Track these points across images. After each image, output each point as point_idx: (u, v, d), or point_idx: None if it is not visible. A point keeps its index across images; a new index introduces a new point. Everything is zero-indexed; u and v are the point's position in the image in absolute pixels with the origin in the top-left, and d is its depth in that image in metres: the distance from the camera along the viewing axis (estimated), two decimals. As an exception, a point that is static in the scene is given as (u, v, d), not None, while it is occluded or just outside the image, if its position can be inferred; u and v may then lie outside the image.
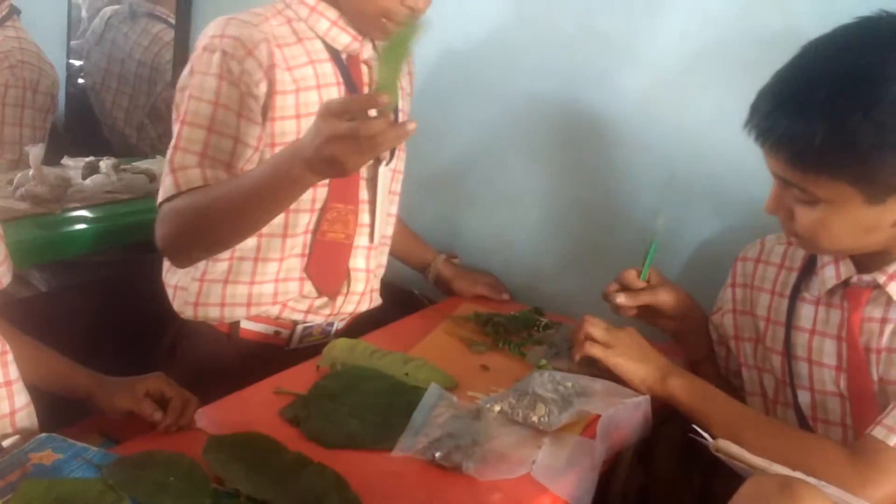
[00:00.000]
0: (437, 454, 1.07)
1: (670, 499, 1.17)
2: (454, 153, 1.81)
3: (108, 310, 1.78)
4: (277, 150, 1.30)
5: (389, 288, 1.61)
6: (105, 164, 1.90)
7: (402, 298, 1.72)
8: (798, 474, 0.87)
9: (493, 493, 1.03)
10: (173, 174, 1.26)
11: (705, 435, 0.99)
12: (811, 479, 0.84)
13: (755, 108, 1.00)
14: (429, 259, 1.75)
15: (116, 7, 2.39)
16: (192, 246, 1.28)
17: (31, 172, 1.75)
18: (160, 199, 1.29)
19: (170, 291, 1.45)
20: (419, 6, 1.28)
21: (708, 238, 1.52)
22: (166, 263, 1.47)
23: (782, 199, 1.03)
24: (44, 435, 1.04)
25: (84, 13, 2.46)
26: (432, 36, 1.71)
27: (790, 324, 1.13)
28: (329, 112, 1.01)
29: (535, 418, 1.17)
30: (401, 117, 1.49)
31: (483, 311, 1.57)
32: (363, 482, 1.00)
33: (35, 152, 1.73)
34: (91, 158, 1.96)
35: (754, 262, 1.24)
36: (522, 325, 1.53)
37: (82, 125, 2.41)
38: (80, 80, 2.48)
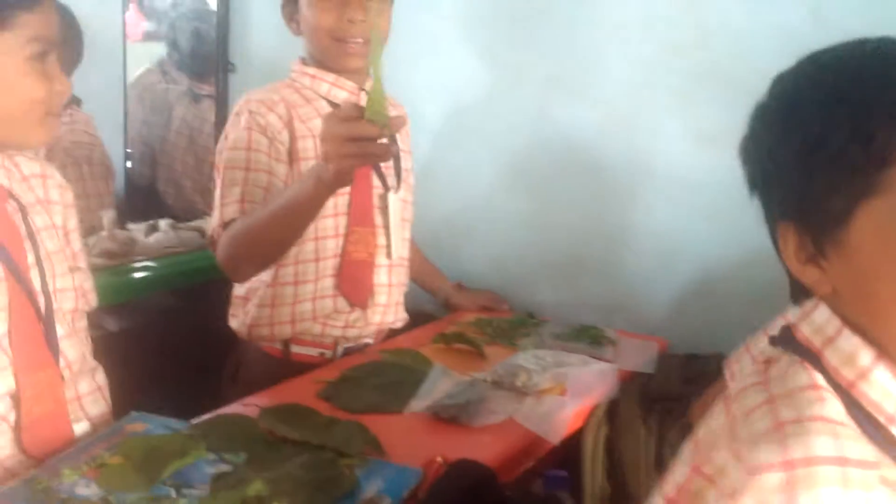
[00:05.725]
0: (438, 410, 1.35)
1: (629, 442, 1.42)
2: (453, 193, 2.14)
3: (170, 344, 2.10)
4: None
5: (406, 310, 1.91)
6: (164, 223, 2.26)
7: (416, 316, 2.02)
8: None
9: (483, 435, 1.31)
10: (221, 208, 1.56)
11: None
12: None
13: None
14: (440, 283, 2.05)
15: (181, 88, 2.79)
16: (243, 262, 1.55)
17: (104, 233, 2.11)
18: (209, 230, 1.60)
19: (231, 320, 1.75)
20: (356, 17, 1.57)
21: (669, 229, 1.83)
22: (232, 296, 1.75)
23: None
24: (134, 412, 1.35)
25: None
26: (428, 97, 2.10)
27: None
28: (335, 112, 1.30)
29: (518, 383, 1.45)
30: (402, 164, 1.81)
31: (484, 317, 1.87)
32: (381, 433, 1.27)
33: (108, 216, 2.10)
34: (152, 221, 2.31)
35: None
36: (518, 326, 1.83)
37: (140, 197, 2.79)
38: (127, 163, 2.85)
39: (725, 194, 1.70)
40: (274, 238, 1.51)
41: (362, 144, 1.27)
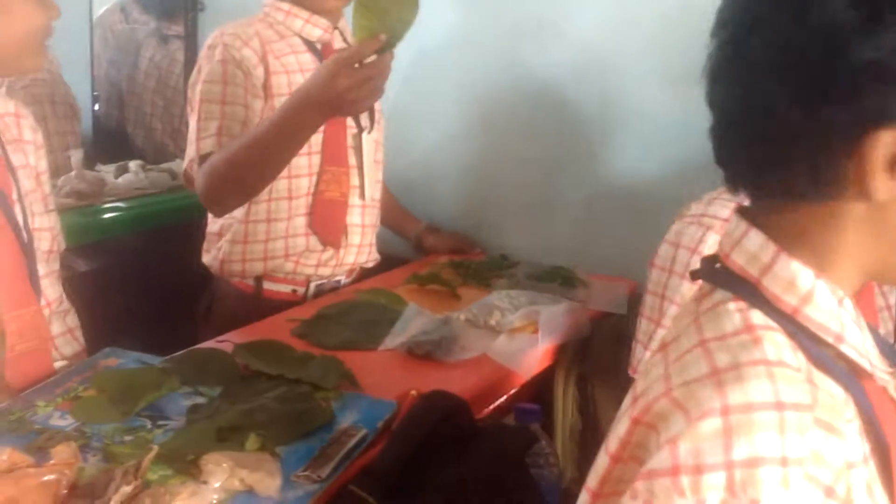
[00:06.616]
0: (413, 346, 1.37)
1: (602, 379, 1.45)
2: (425, 136, 2.13)
3: (140, 285, 2.09)
4: None
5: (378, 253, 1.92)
6: (133, 164, 2.23)
7: (388, 260, 2.03)
8: None
9: (457, 370, 1.33)
10: (198, 142, 1.54)
11: None
12: None
13: None
14: (412, 226, 2.05)
15: (148, 28, 2.72)
16: (224, 195, 1.53)
17: (73, 173, 2.08)
18: (184, 164, 1.59)
19: (204, 255, 1.74)
20: None
21: (640, 171, 1.86)
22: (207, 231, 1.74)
23: None
24: (107, 348, 1.35)
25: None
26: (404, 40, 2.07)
27: None
28: (343, 61, 1.29)
29: (492, 322, 1.47)
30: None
31: (458, 259, 1.88)
32: (356, 368, 1.28)
33: (76, 156, 2.07)
34: (122, 162, 2.28)
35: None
36: (492, 268, 1.84)
37: (109, 140, 2.73)
38: (96, 106, 2.79)
39: (695, 136, 1.74)
40: (261, 166, 1.48)
41: (378, 79, 1.31)
